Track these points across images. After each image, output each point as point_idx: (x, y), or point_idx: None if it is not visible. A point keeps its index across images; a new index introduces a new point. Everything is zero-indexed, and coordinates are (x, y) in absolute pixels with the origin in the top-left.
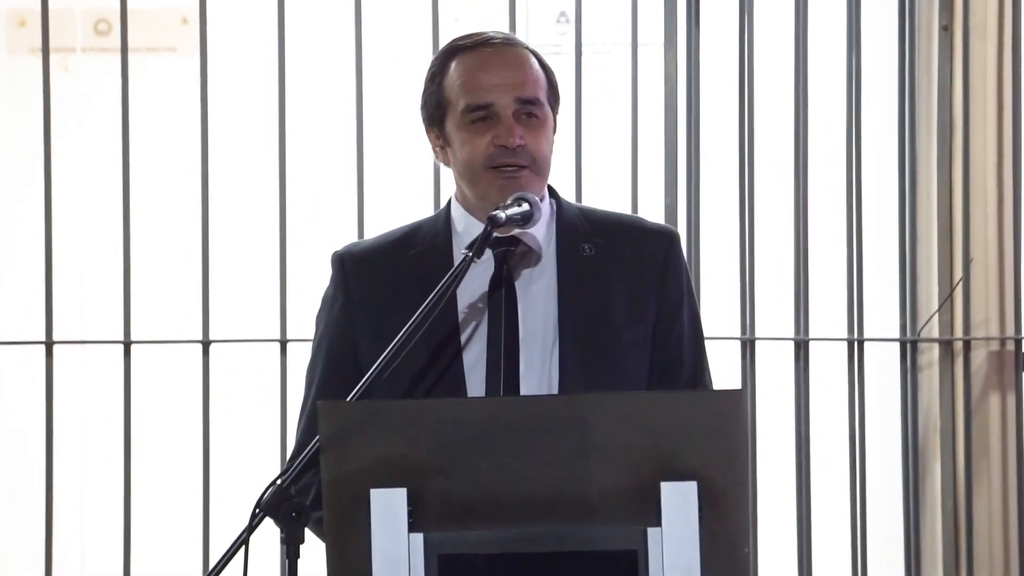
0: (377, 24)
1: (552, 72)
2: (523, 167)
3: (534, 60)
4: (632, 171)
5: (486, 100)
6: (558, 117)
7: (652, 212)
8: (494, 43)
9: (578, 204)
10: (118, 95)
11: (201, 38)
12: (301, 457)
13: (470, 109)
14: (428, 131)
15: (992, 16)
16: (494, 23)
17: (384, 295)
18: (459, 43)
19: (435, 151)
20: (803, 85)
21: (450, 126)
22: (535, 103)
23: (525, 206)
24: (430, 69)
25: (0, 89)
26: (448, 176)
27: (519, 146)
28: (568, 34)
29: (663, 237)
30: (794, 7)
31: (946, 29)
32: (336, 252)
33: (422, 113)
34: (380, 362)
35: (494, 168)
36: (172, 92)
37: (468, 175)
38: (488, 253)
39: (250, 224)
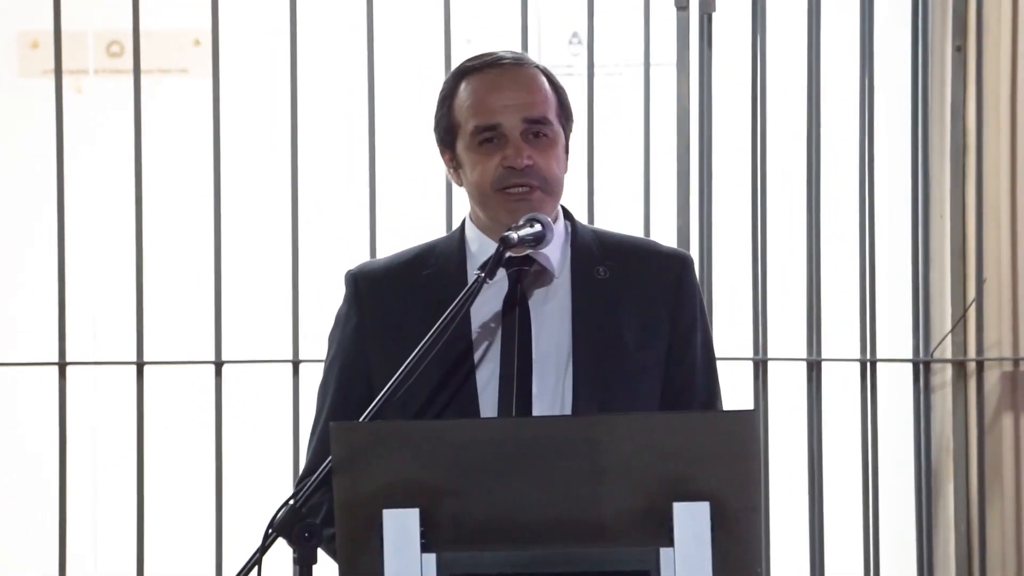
0: (390, 46)
1: (563, 91)
2: (533, 187)
3: (543, 79)
4: (644, 192)
5: (493, 121)
6: (571, 137)
7: (664, 233)
8: (503, 63)
9: (592, 227)
10: (130, 116)
11: (214, 60)
12: (314, 477)
13: (478, 131)
14: (442, 153)
15: (1006, 37)
16: (506, 44)
17: (397, 315)
18: (468, 64)
19: (449, 173)
20: (815, 105)
21: (461, 148)
22: (543, 122)
23: (537, 227)
24: (441, 92)
25: (13, 110)
26: (461, 195)
27: (527, 166)
28: (580, 55)
29: (676, 261)
30: (807, 28)
31: (959, 50)
32: (350, 271)
33: (435, 135)
34: (393, 382)
35: (504, 190)
36: (184, 113)
37: (479, 197)
38: (502, 273)
39: (262, 244)
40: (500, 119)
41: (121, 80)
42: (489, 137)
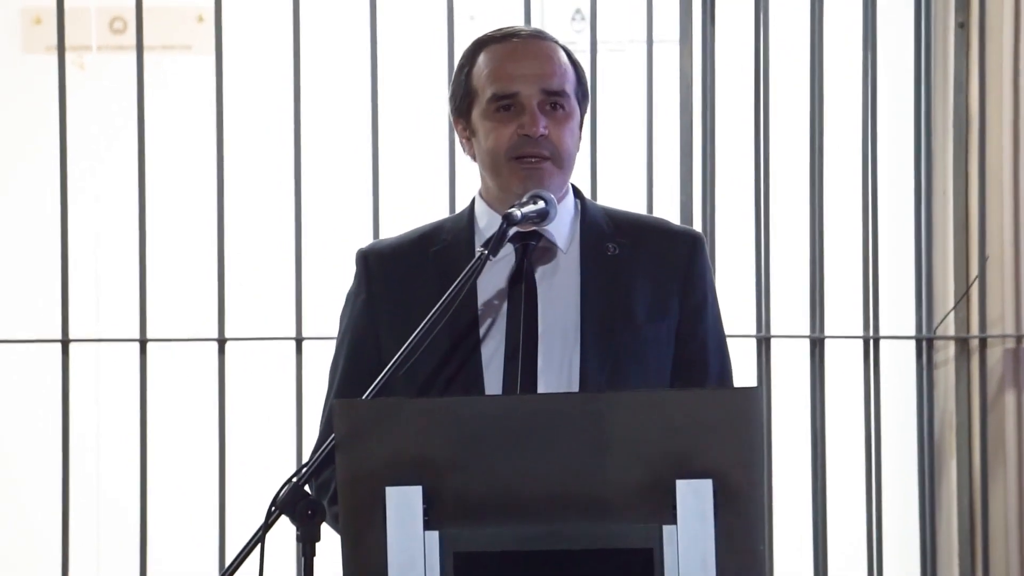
0: (393, 22)
1: (581, 68)
2: (545, 158)
3: (562, 54)
4: (647, 168)
5: (512, 89)
6: (585, 114)
7: (668, 210)
8: (522, 35)
9: (603, 205)
10: (134, 93)
11: (217, 36)
12: (318, 454)
13: (496, 98)
14: (455, 122)
15: (1008, 13)
16: (510, 20)
17: (406, 291)
18: (488, 35)
19: (462, 143)
20: (819, 82)
21: (476, 116)
22: (561, 95)
23: (541, 204)
24: (460, 61)
25: (16, 87)
26: (463, 173)
27: (542, 136)
28: (583, 31)
29: (688, 240)
30: (810, 4)
31: (962, 26)
32: (360, 249)
33: (450, 104)
34: (397, 358)
35: (517, 159)
36: (187, 90)
37: (491, 165)
38: (510, 248)
39: (265, 222)
40: (518, 88)
41: (124, 57)
42: (506, 105)
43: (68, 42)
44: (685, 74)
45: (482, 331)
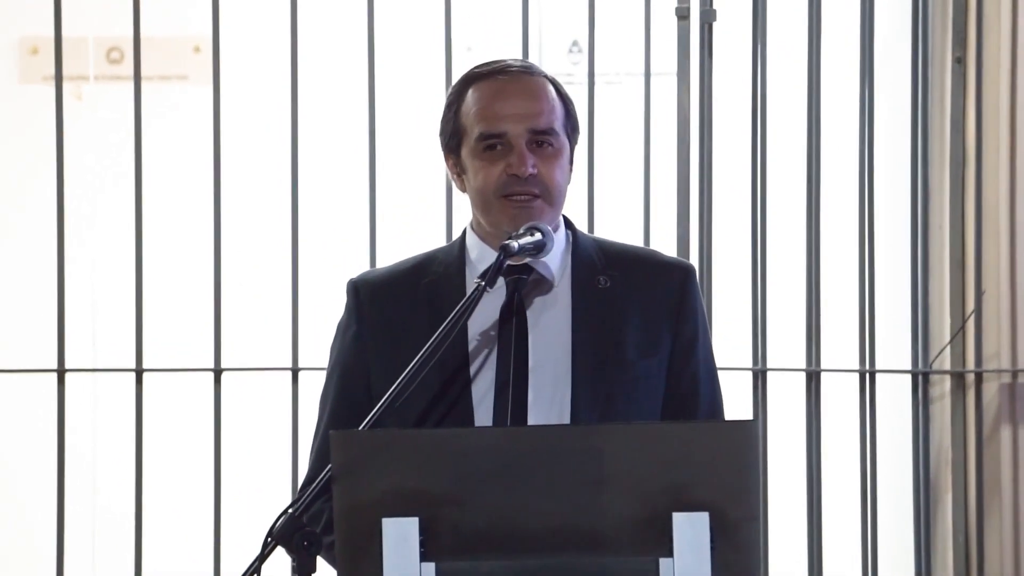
0: (390, 53)
1: (570, 101)
2: (535, 196)
3: (551, 89)
4: (644, 201)
5: (500, 129)
6: (576, 147)
7: (664, 242)
8: (511, 71)
9: (594, 236)
10: (131, 123)
11: (214, 66)
12: (314, 486)
13: (484, 138)
14: (446, 158)
15: (1006, 48)
16: (507, 52)
17: (397, 323)
18: (476, 71)
19: (453, 179)
20: (816, 115)
21: (465, 154)
22: (549, 133)
23: (538, 235)
24: (448, 97)
25: (13, 117)
26: (461, 203)
27: (531, 175)
28: (581, 63)
29: (679, 271)
30: (807, 38)
31: (959, 61)
32: (351, 280)
33: (440, 140)
34: (392, 392)
35: (506, 197)
36: (184, 120)
37: (481, 203)
38: (500, 281)
39: (262, 252)
40: (506, 127)
41: (121, 87)
42: (493, 144)
43: (65, 72)
44: (682, 107)
45: (474, 366)
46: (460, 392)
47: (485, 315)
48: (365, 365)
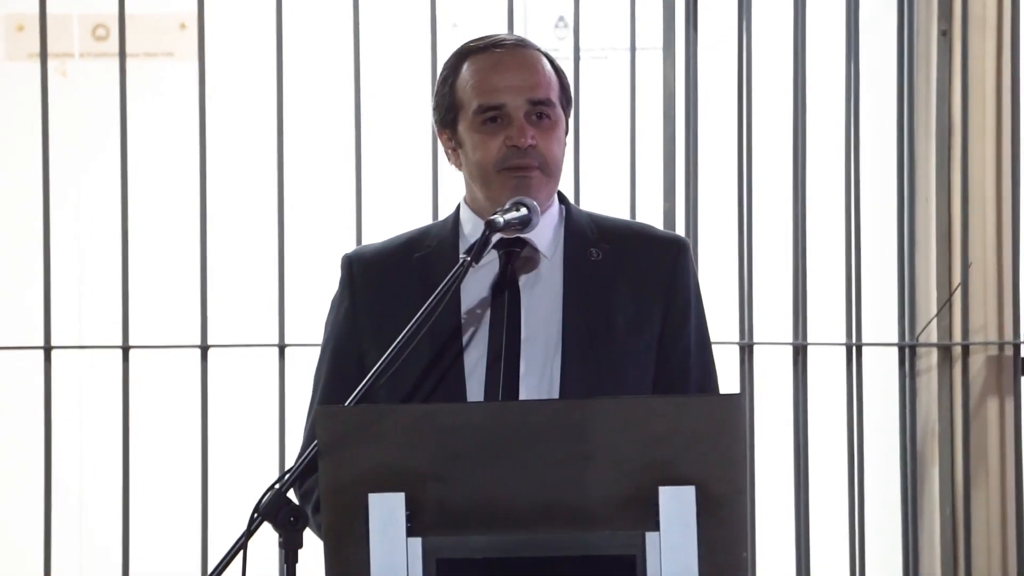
0: (375, 28)
1: (564, 75)
2: (534, 168)
3: (546, 62)
4: (630, 175)
5: (498, 101)
6: (569, 121)
7: (650, 217)
8: (506, 44)
9: (588, 211)
10: (116, 100)
11: (199, 43)
12: (300, 461)
13: (482, 110)
14: (440, 133)
15: (991, 20)
16: (492, 27)
17: (389, 298)
18: (471, 45)
19: (447, 154)
20: (802, 89)
21: (462, 128)
22: (547, 104)
23: (523, 210)
24: (442, 71)
25: None
26: (447, 179)
27: (530, 146)
28: (566, 39)
29: (672, 245)
30: (793, 11)
31: (945, 34)
32: (345, 255)
33: (434, 115)
34: (379, 366)
35: (506, 170)
36: (170, 97)
37: (480, 177)
38: (493, 255)
39: (248, 228)
40: (504, 99)
41: (107, 63)
42: (493, 116)
43: (51, 49)
44: (668, 81)
45: (465, 338)
46: (452, 364)
47: (478, 288)
48: (357, 340)
